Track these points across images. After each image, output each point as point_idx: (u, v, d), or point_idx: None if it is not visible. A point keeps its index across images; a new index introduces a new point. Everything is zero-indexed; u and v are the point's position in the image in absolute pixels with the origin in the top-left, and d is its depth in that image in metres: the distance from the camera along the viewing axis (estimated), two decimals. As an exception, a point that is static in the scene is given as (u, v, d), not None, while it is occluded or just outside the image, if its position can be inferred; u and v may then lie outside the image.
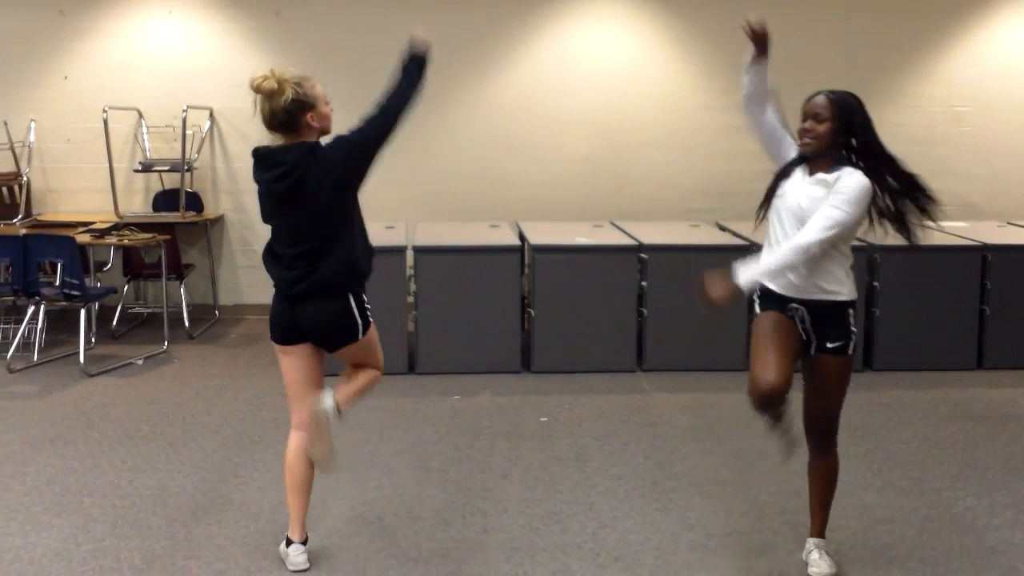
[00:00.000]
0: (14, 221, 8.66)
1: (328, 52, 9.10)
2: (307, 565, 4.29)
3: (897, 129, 9.41)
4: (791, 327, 4.05)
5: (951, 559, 4.42)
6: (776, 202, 4.09)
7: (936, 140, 9.50)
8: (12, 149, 8.91)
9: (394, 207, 9.15)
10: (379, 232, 7.85)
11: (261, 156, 4.12)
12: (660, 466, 5.54)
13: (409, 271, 7.34)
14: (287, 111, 4.01)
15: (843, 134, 3.94)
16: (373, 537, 4.61)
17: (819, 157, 3.97)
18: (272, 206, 4.14)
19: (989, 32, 9.51)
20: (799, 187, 4.00)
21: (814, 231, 3.87)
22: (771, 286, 4.10)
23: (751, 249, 7.37)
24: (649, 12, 9.29)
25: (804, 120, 3.97)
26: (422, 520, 4.79)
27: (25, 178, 8.99)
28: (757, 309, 4.22)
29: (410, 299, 7.36)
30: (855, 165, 3.94)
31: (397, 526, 4.73)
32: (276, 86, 4.00)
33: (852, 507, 4.95)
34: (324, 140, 4.15)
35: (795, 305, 4.05)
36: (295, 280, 4.12)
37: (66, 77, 9.13)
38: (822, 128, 3.93)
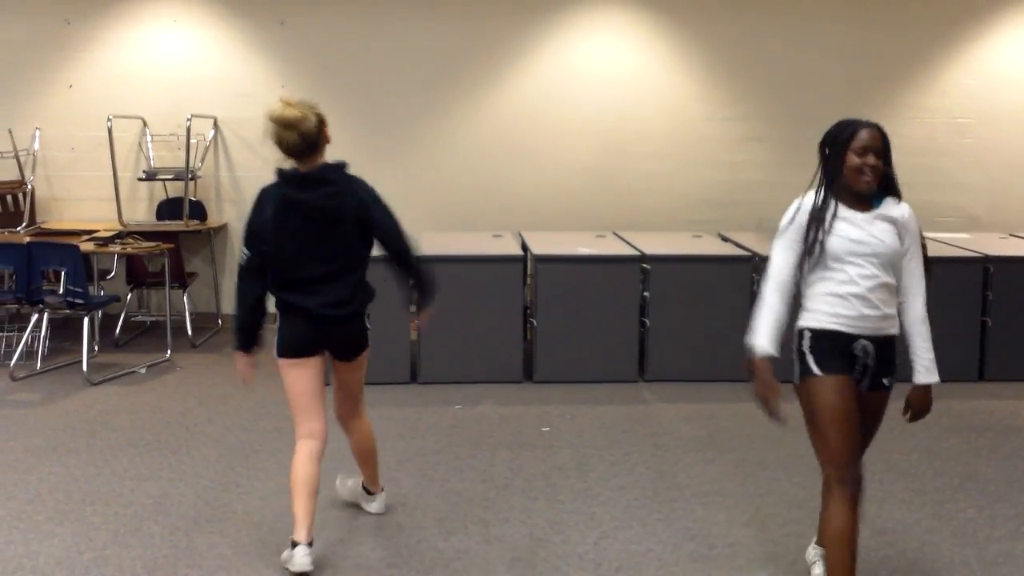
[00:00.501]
0: (18, 229, 8.68)
1: (332, 62, 9.13)
2: (311, 567, 4.30)
3: (899, 141, 9.33)
4: (854, 393, 3.89)
5: (952, 571, 4.42)
6: (835, 242, 3.81)
7: (938, 152, 9.51)
8: (17, 157, 8.94)
9: (397, 216, 9.16)
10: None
11: (307, 176, 4.23)
12: (662, 476, 5.55)
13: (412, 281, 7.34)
14: (317, 133, 4.20)
15: (887, 166, 3.88)
16: (375, 546, 4.61)
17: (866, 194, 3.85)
18: (303, 225, 4.23)
19: (991, 44, 9.53)
20: (861, 226, 3.83)
21: (922, 292, 3.97)
22: (836, 326, 3.83)
23: (752, 260, 7.41)
24: (652, 24, 9.31)
25: (864, 155, 3.80)
26: (424, 529, 4.80)
27: (29, 186, 9.01)
28: (813, 365, 3.84)
29: (412, 309, 7.35)
30: (891, 193, 3.92)
31: (399, 535, 4.74)
32: (301, 115, 4.14)
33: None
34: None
35: (864, 342, 3.86)
36: (333, 304, 4.32)
37: (71, 86, 9.16)
38: (880, 163, 3.81)
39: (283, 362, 4.40)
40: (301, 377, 4.39)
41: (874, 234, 3.81)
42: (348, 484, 5.06)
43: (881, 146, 3.85)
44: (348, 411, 4.69)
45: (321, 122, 4.22)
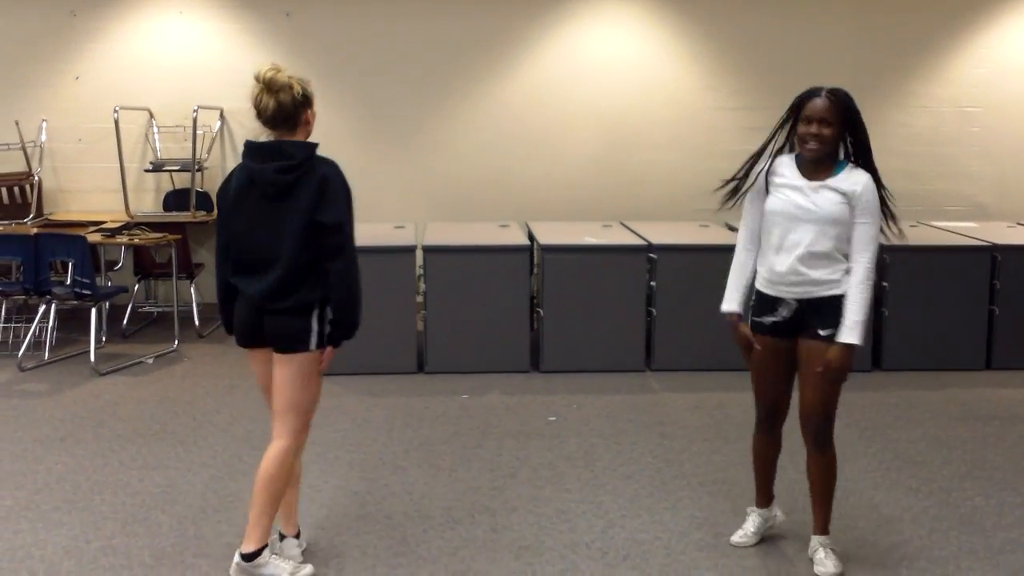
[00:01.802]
0: (25, 220, 8.70)
1: (338, 53, 9.12)
2: (300, 558, 4.32)
3: (906, 130, 9.42)
4: (781, 354, 4.24)
5: (959, 559, 4.42)
6: (770, 199, 4.13)
7: (945, 141, 9.49)
8: (24, 149, 8.96)
9: (404, 207, 9.18)
10: (389, 232, 7.89)
11: (264, 145, 3.98)
12: (669, 465, 5.55)
13: (418, 271, 7.36)
14: (296, 105, 3.96)
15: (844, 135, 4.00)
16: (382, 535, 4.62)
17: (819, 160, 4.02)
18: (259, 202, 3.97)
19: (999, 32, 9.50)
20: (800, 191, 4.05)
21: (867, 256, 4.02)
22: (765, 290, 4.21)
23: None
24: (660, 13, 9.29)
25: (809, 124, 3.97)
26: (431, 519, 4.80)
27: (36, 178, 9.02)
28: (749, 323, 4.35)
29: (419, 298, 7.37)
30: (853, 163, 4.05)
31: (406, 524, 4.75)
32: (287, 80, 3.95)
33: (860, 507, 4.95)
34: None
35: (788, 300, 4.15)
36: (272, 292, 3.97)
37: (77, 77, 9.17)
38: (828, 132, 3.96)
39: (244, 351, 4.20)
40: (256, 371, 4.21)
41: (816, 202, 4.00)
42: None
43: (831, 115, 3.95)
44: (276, 425, 4.12)
45: (306, 100, 3.98)
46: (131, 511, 4.88)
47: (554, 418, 6.37)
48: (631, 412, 6.49)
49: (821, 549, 4.30)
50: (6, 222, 8.55)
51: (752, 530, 4.54)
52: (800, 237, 4.04)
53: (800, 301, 4.10)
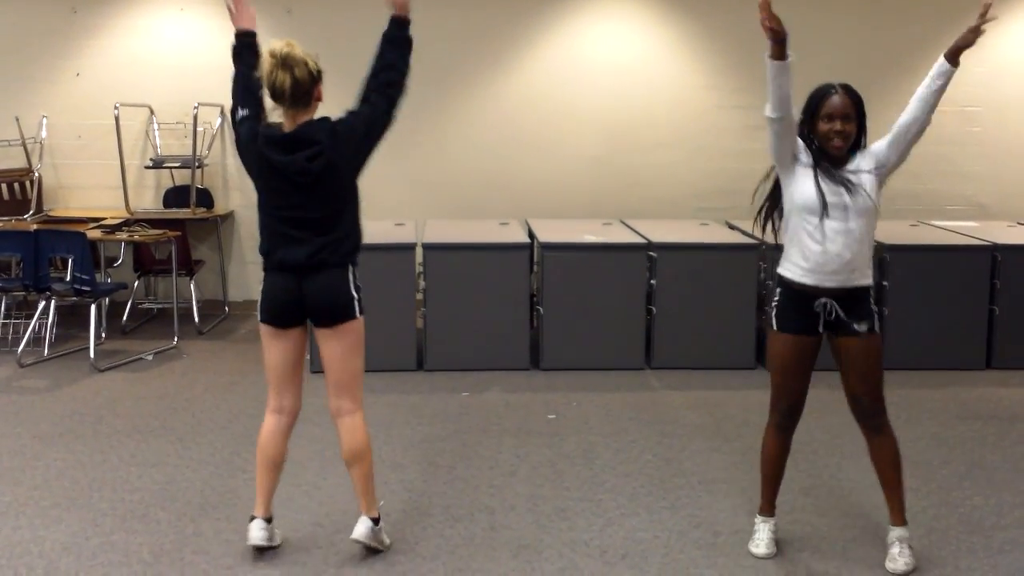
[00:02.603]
0: (25, 217, 8.69)
1: (339, 49, 9.05)
2: (266, 542, 4.33)
3: (907, 128, 9.40)
4: (809, 352, 4.18)
5: (959, 559, 4.42)
6: (805, 183, 4.14)
7: (946, 140, 9.47)
8: (24, 145, 8.95)
9: (403, 204, 9.17)
10: (389, 229, 7.88)
11: (287, 137, 4.01)
12: (668, 464, 5.54)
13: (418, 268, 7.35)
14: (312, 81, 4.00)
15: (861, 130, 4.11)
16: (381, 533, 4.62)
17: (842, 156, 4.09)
18: (290, 186, 4.04)
19: (1000, 32, 9.48)
20: (838, 182, 4.07)
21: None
22: (804, 279, 4.10)
23: (759, 248, 7.40)
24: (660, 11, 9.29)
25: (832, 121, 4.03)
26: (430, 516, 4.80)
27: (36, 174, 9.02)
28: (774, 324, 4.23)
29: (419, 296, 7.37)
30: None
31: (405, 522, 4.74)
32: (302, 55, 3.97)
33: (861, 506, 4.95)
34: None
35: (823, 300, 4.09)
36: (309, 254, 4.08)
37: (78, 74, 9.16)
38: (851, 128, 4.05)
39: (264, 330, 4.26)
40: (281, 350, 4.26)
41: (854, 187, 4.04)
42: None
43: (851, 110, 4.05)
44: (340, 402, 4.39)
45: (319, 75, 4.05)
46: (130, 508, 4.87)
47: (553, 416, 6.37)
48: (631, 410, 6.48)
49: (897, 544, 4.29)
50: (6, 218, 8.55)
51: (770, 537, 4.43)
52: (842, 225, 4.04)
53: (837, 291, 4.07)
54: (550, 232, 7.79)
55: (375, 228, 7.81)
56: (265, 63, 3.97)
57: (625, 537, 4.60)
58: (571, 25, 9.29)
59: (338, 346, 4.23)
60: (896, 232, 7.82)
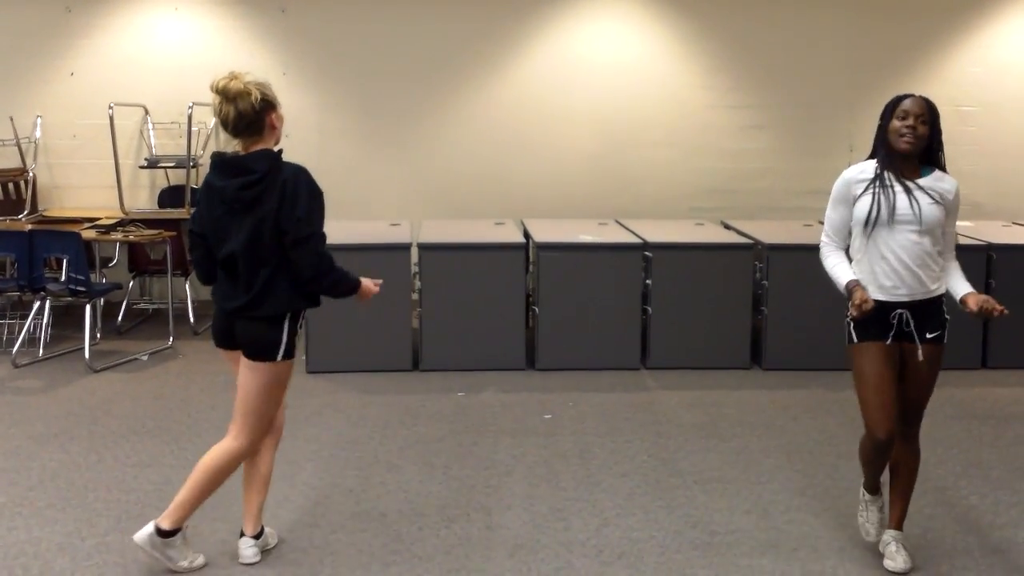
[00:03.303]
0: (20, 217, 8.67)
1: (333, 49, 9.11)
2: (257, 558, 4.31)
3: (902, 128, 9.41)
4: (894, 360, 4.18)
5: (954, 558, 4.42)
6: (860, 203, 4.13)
7: (941, 139, 9.49)
8: (18, 145, 8.94)
9: (399, 204, 9.16)
10: (384, 229, 7.87)
11: (227, 161, 4.00)
12: (664, 463, 5.54)
13: (414, 268, 7.35)
14: (257, 112, 3.94)
15: (934, 139, 4.13)
16: (377, 533, 4.61)
17: (911, 158, 4.10)
18: (226, 215, 3.98)
19: (995, 32, 9.51)
20: (907, 195, 4.07)
21: (954, 254, 4.22)
22: (878, 295, 4.11)
23: (754, 248, 7.41)
24: (655, 11, 9.29)
25: (905, 118, 4.05)
26: (426, 517, 4.80)
27: (31, 174, 9.01)
28: (854, 336, 4.21)
29: (415, 296, 7.37)
30: (940, 167, 4.18)
31: (401, 522, 4.74)
32: (243, 87, 3.92)
33: (855, 505, 4.94)
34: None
35: (899, 311, 4.14)
36: (237, 299, 4.04)
37: (72, 73, 9.15)
38: (923, 130, 4.07)
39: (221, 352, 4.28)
40: (232, 369, 4.27)
41: (919, 202, 4.04)
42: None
43: (925, 112, 4.09)
44: (234, 425, 4.21)
45: (267, 105, 3.96)
46: (125, 508, 4.87)
47: (549, 416, 6.37)
48: (626, 410, 6.48)
49: (894, 543, 4.33)
50: (0, 218, 8.53)
51: (905, 553, 4.32)
52: (904, 238, 4.07)
53: (908, 304, 4.12)
54: (546, 232, 7.79)
55: (370, 228, 7.81)
56: (212, 98, 3.96)
57: (621, 537, 4.60)
58: (565, 25, 9.29)
59: (250, 378, 4.13)
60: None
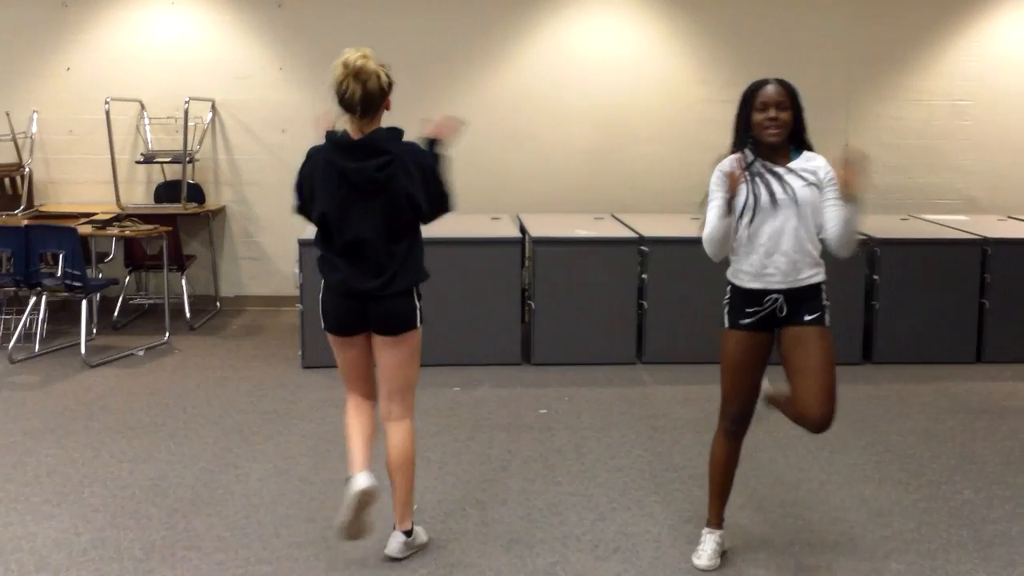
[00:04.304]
0: (16, 212, 8.68)
1: (330, 44, 8.99)
2: (372, 482, 4.18)
3: (897, 123, 9.43)
4: (759, 350, 4.15)
5: (949, 552, 4.43)
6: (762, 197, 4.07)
7: (937, 134, 9.50)
8: (14, 140, 8.93)
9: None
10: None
11: (358, 145, 4.03)
12: (659, 458, 5.55)
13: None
14: (383, 94, 4.03)
15: (797, 119, 4.04)
16: (373, 528, 4.61)
17: (778, 145, 4.04)
18: (356, 195, 4.04)
19: (991, 26, 9.51)
20: (780, 180, 4.04)
21: (836, 222, 4.02)
22: (751, 284, 4.11)
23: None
24: (650, 5, 9.29)
25: (765, 109, 3.98)
26: (421, 511, 4.79)
27: (27, 169, 9.00)
28: (726, 322, 4.22)
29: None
30: (808, 148, 4.10)
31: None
32: (375, 68, 3.98)
33: (850, 499, 4.96)
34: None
35: (774, 295, 4.08)
36: (381, 285, 4.10)
37: (68, 68, 9.14)
38: (785, 116, 4.01)
39: (329, 337, 4.28)
40: (346, 355, 4.28)
41: (792, 186, 4.00)
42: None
43: (785, 98, 4.01)
44: (386, 407, 4.31)
45: (389, 86, 4.07)
46: (121, 504, 4.87)
47: (545, 411, 6.37)
48: (622, 405, 6.49)
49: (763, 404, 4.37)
50: (-4, 213, 8.54)
51: (715, 549, 4.31)
52: (779, 224, 4.02)
53: (784, 291, 4.06)
54: (541, 227, 7.79)
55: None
56: (337, 71, 3.96)
57: (616, 531, 4.61)
58: (562, 20, 9.29)
59: (396, 354, 4.23)
60: (886, 226, 7.84)
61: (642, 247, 7.40)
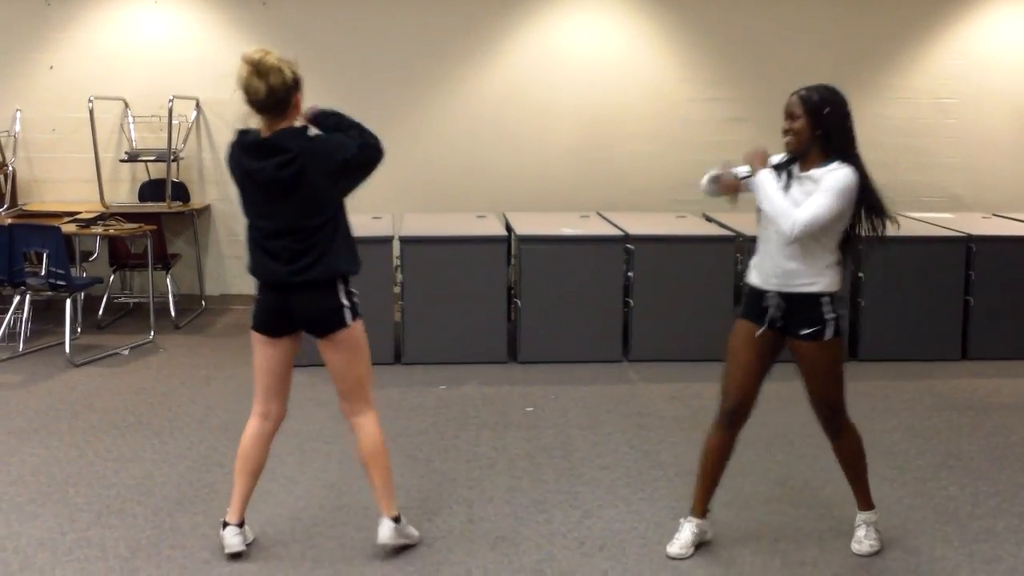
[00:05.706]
0: (-1, 211, 8.65)
1: (314, 42, 9.07)
2: (243, 547, 4.29)
3: (883, 121, 9.44)
4: (759, 345, 4.23)
5: (934, 548, 4.45)
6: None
7: (921, 132, 9.52)
8: (-3, 139, 8.89)
9: (381, 197, 9.08)
10: (366, 222, 7.84)
11: (261, 143, 3.98)
12: (645, 455, 5.56)
13: (396, 261, 7.34)
14: (287, 89, 3.93)
15: (818, 128, 4.03)
16: (360, 527, 4.61)
17: (805, 154, 4.09)
18: (264, 196, 4.01)
19: (975, 24, 9.54)
20: (790, 187, 4.12)
21: (801, 212, 3.99)
22: (754, 280, 4.23)
23: (736, 240, 7.43)
24: (636, 4, 9.29)
25: (784, 121, 4.11)
26: (408, 510, 4.78)
27: (10, 168, 8.96)
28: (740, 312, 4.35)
29: (396, 289, 7.36)
30: (842, 160, 4.05)
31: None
32: (276, 63, 3.90)
33: (836, 496, 4.97)
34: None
35: (772, 293, 4.17)
36: (291, 272, 4.04)
37: (52, 67, 9.09)
38: (797, 124, 4.06)
39: (255, 336, 4.26)
40: (269, 357, 4.26)
41: (793, 194, 4.08)
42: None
43: (797, 110, 4.07)
44: (344, 405, 4.33)
45: (296, 84, 3.95)
46: (106, 503, 4.85)
47: (531, 409, 6.37)
48: (608, 403, 6.50)
49: (863, 526, 4.40)
50: (-21, 212, 8.50)
51: (690, 540, 4.35)
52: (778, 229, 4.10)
53: (782, 295, 4.14)
54: (527, 225, 7.79)
55: (352, 221, 7.78)
56: (240, 70, 3.91)
57: (603, 529, 4.61)
58: (547, 18, 9.28)
59: (335, 355, 4.20)
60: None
61: (628, 245, 7.41)
